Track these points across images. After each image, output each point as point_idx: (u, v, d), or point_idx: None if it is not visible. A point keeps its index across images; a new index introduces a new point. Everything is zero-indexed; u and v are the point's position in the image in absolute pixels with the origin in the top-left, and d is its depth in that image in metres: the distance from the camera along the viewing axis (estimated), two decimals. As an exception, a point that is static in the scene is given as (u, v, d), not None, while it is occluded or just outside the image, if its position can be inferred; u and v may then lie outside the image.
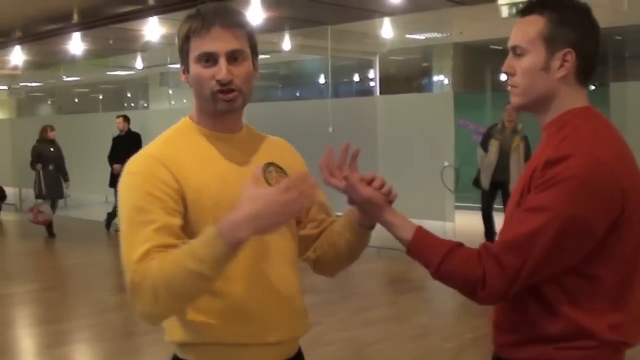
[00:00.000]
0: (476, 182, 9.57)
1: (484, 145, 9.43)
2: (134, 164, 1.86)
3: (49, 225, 11.40)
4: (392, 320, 6.69)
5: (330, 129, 10.50)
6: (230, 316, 1.83)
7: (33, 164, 11.44)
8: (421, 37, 14.13)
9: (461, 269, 1.80)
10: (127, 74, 17.69)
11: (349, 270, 2.20)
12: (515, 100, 1.93)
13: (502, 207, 8.63)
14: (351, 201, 1.93)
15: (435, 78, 16.25)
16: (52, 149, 11.60)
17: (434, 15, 10.92)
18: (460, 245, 1.85)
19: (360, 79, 17.77)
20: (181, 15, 10.21)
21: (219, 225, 1.65)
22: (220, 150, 1.93)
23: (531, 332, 1.85)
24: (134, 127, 11.53)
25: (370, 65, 15.79)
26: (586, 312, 1.79)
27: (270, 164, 1.98)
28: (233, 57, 1.86)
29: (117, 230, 9.51)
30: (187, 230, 1.80)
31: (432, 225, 1.91)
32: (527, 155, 9.13)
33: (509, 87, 1.94)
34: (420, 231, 1.88)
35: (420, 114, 10.07)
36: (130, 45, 11.83)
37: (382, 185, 1.89)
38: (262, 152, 2.01)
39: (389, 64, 15.92)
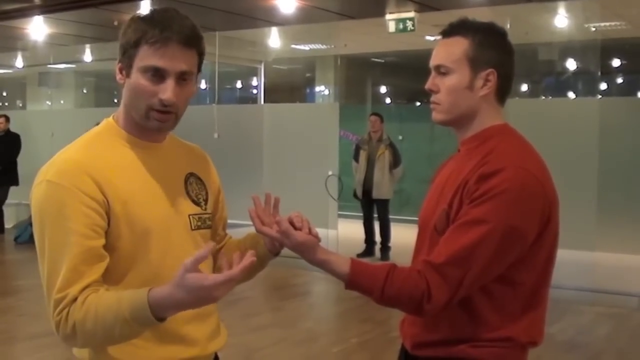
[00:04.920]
0: (355, 194, 9.86)
1: (356, 157, 9.77)
2: (53, 171, 1.76)
3: None
4: (279, 325, 6.79)
5: (216, 135, 10.52)
6: (148, 334, 1.77)
7: None
8: (306, 47, 14.31)
9: (404, 288, 1.85)
10: (3, 72, 17.00)
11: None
12: (438, 116, 2.03)
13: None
14: (279, 245, 1.96)
15: (318, 89, 16.47)
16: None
17: (321, 27, 11.12)
18: (394, 266, 1.90)
19: (245, 86, 17.79)
20: (67, 15, 9.91)
21: (150, 296, 1.62)
22: (142, 159, 1.87)
23: (452, 333, 1.94)
24: (11, 128, 11.06)
25: (255, 73, 15.86)
26: (507, 318, 1.91)
27: (191, 174, 1.99)
28: (182, 78, 1.79)
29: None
30: (107, 243, 1.77)
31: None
32: (396, 162, 9.51)
33: (432, 104, 2.03)
34: (356, 263, 1.91)
35: (306, 124, 10.27)
36: (12, 43, 11.42)
37: (309, 228, 1.91)
38: (183, 163, 1.99)
39: (273, 72, 16.03)
